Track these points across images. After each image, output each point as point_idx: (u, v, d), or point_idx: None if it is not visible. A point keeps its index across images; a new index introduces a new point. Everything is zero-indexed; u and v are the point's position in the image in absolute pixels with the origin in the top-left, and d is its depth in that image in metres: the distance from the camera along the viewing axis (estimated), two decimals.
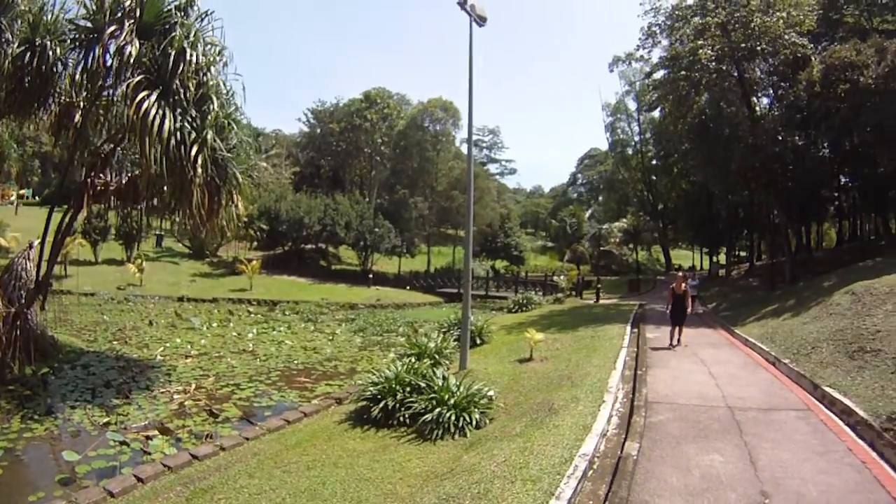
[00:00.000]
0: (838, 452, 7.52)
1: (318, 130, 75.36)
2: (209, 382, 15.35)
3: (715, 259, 57.64)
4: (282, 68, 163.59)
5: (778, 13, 25.97)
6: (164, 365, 17.23)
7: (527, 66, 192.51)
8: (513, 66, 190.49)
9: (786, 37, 25.97)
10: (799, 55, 26.45)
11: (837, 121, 24.17)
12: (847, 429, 8.51)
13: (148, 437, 10.63)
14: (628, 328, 18.92)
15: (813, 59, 26.29)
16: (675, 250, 71.03)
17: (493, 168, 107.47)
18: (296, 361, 18.84)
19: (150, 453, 9.90)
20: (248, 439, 9.97)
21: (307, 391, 14.98)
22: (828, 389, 10.04)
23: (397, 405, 10.15)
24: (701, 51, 26.44)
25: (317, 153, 74.45)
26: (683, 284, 16.77)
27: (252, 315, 31.48)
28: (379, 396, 10.45)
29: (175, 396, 13.85)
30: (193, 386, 14.86)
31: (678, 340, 16.16)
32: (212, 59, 14.37)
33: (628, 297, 39.38)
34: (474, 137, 71.43)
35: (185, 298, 35.75)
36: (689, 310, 16.75)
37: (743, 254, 58.06)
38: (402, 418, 9.91)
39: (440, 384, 10.37)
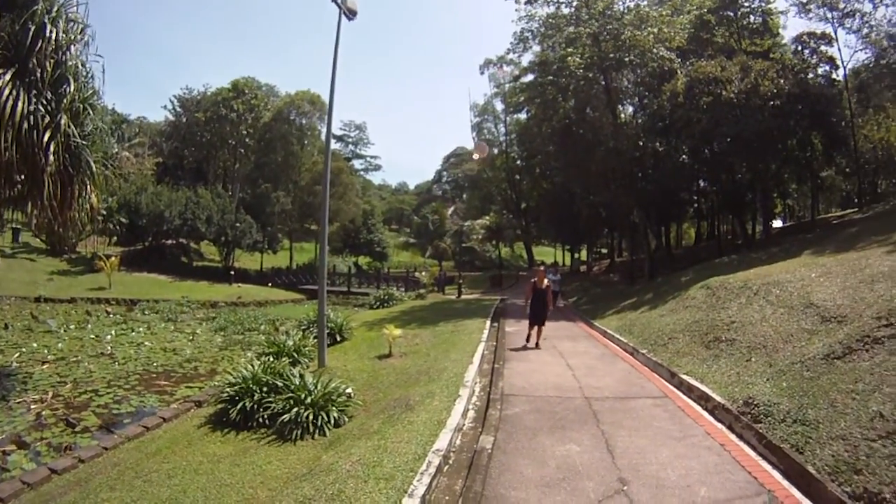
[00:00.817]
0: (696, 437, 7.57)
1: (184, 119, 71.65)
2: (67, 390, 14.21)
3: (577, 255, 59.62)
4: (152, 52, 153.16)
5: (650, 28, 26.90)
6: (21, 372, 15.88)
7: (398, 64, 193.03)
8: (384, 64, 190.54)
9: (654, 51, 27.02)
10: (666, 68, 27.74)
11: (698, 130, 25.33)
12: (705, 414, 8.61)
13: (5, 453, 9.89)
14: (488, 323, 18.81)
15: (679, 72, 27.54)
16: (537, 247, 72.77)
17: (357, 164, 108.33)
18: (155, 364, 17.81)
19: (8, 470, 9.24)
20: (107, 449, 9.40)
21: (167, 395, 14.23)
22: (685, 377, 10.14)
23: (256, 406, 9.59)
24: (570, 58, 27.06)
25: (181, 143, 70.55)
26: (545, 280, 15.39)
27: (111, 316, 29.51)
28: (237, 398, 9.84)
29: (32, 406, 12.73)
30: (50, 394, 13.72)
31: (536, 343, 14.87)
32: (73, 37, 13.18)
33: (490, 292, 40.22)
34: (340, 132, 70.28)
35: (42, 299, 33.21)
36: (550, 307, 15.47)
37: (604, 251, 60.39)
38: (261, 419, 9.39)
39: (297, 383, 9.86)
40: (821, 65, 31.79)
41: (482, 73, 55.15)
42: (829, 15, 31.91)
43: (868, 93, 34.67)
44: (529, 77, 35.08)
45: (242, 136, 66.59)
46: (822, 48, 32.13)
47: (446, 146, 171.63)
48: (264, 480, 7.09)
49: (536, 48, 32.35)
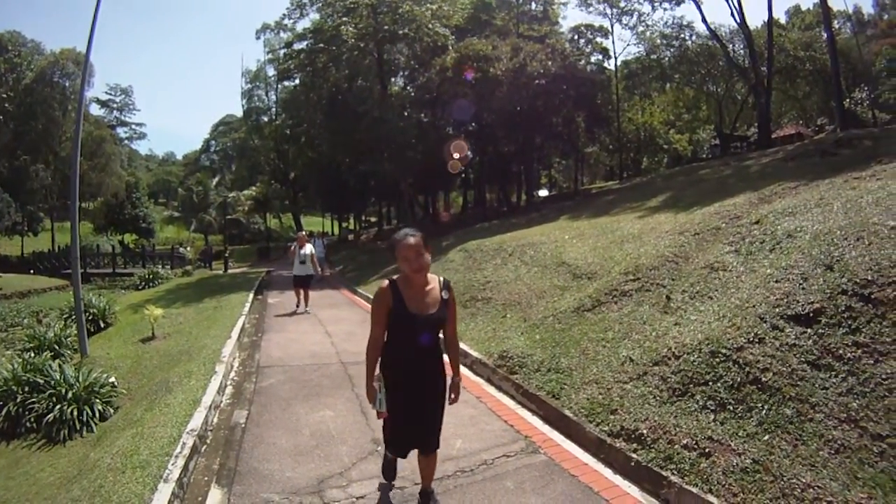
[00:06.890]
0: None
1: None
2: None
3: (345, 224, 59.32)
4: None
5: (429, 4, 27.26)
6: None
7: (170, 25, 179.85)
8: (155, 23, 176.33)
9: (431, 26, 27.47)
10: (440, 44, 28.39)
11: (465, 104, 26.06)
12: (463, 370, 8.51)
13: None
14: (251, 296, 18.59)
15: (451, 48, 28.18)
16: (307, 217, 72.34)
17: (122, 132, 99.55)
18: None
19: None
20: None
21: None
22: None
23: (21, 409, 8.47)
24: (343, 27, 26.80)
25: None
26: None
27: None
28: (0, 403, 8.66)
29: None
30: None
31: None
32: None
33: (258, 264, 40.14)
34: (105, 97, 63.22)
35: None
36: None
37: (374, 219, 60.69)
38: (29, 423, 8.30)
39: (58, 378, 8.81)
40: (594, 54, 35.80)
41: (258, 38, 53.21)
42: (608, 11, 35.32)
43: (636, 81, 38.80)
44: (303, 44, 34.23)
45: (2, 101, 57.23)
46: (598, 39, 36.35)
47: (217, 113, 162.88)
48: (39, 489, 6.49)
49: (315, 16, 32.42)
